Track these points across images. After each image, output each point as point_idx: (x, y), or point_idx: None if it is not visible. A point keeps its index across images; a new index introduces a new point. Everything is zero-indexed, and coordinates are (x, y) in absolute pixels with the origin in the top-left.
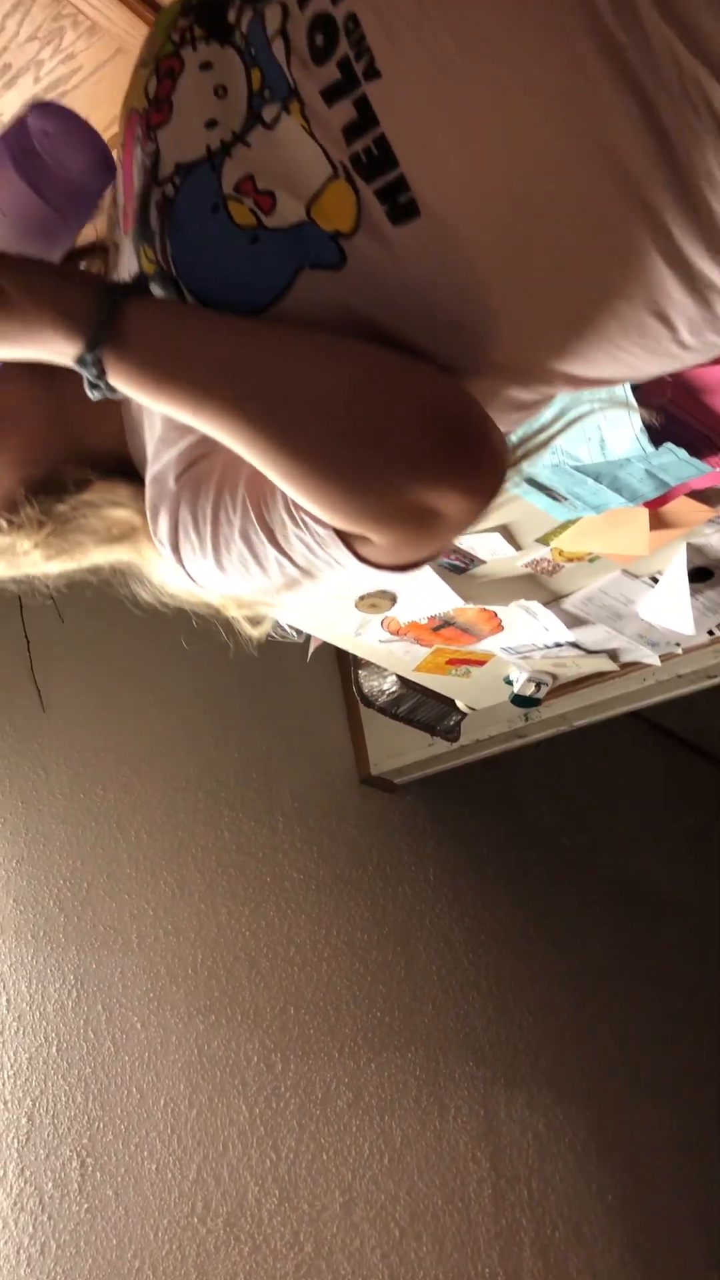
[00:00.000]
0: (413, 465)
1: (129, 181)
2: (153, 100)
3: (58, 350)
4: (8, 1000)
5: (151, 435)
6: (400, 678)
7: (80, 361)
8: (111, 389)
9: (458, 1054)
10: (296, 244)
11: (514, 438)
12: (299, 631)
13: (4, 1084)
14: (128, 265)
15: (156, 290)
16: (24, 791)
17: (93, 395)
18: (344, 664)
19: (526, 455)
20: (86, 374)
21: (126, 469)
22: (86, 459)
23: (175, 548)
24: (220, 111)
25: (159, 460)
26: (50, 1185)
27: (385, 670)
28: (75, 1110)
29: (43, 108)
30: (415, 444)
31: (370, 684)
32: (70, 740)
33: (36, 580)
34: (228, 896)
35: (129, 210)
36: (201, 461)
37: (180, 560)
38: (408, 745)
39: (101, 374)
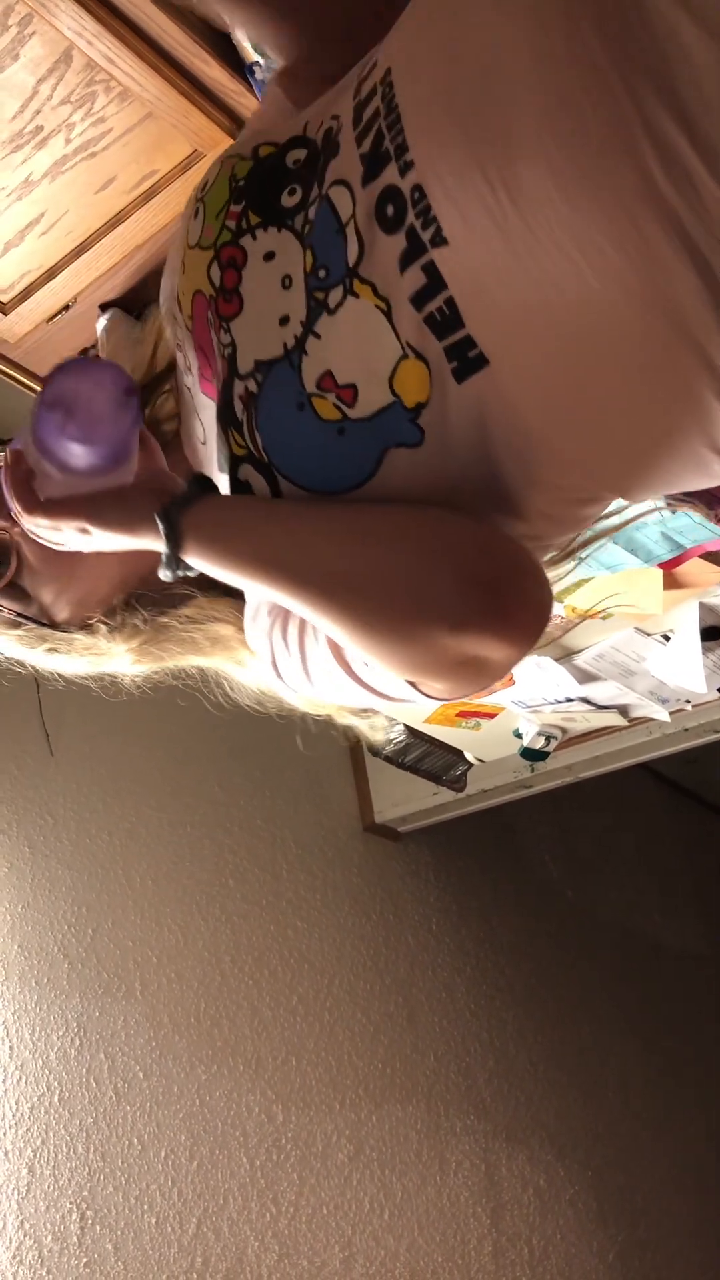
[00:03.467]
0: (455, 626)
1: (207, 350)
2: (220, 289)
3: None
4: (10, 1048)
5: None
6: (408, 727)
7: (163, 565)
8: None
9: (459, 1107)
10: (380, 428)
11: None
12: None
13: (5, 1134)
14: (210, 431)
15: (249, 471)
16: (30, 836)
17: (166, 578)
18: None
19: (584, 545)
20: (167, 574)
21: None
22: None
23: (279, 677)
24: (290, 305)
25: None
26: (49, 1238)
27: (393, 719)
28: (76, 1161)
29: (46, 404)
30: (454, 608)
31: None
32: (77, 785)
33: (115, 678)
34: (231, 944)
35: (208, 384)
36: None
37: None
38: (412, 794)
39: (183, 567)
